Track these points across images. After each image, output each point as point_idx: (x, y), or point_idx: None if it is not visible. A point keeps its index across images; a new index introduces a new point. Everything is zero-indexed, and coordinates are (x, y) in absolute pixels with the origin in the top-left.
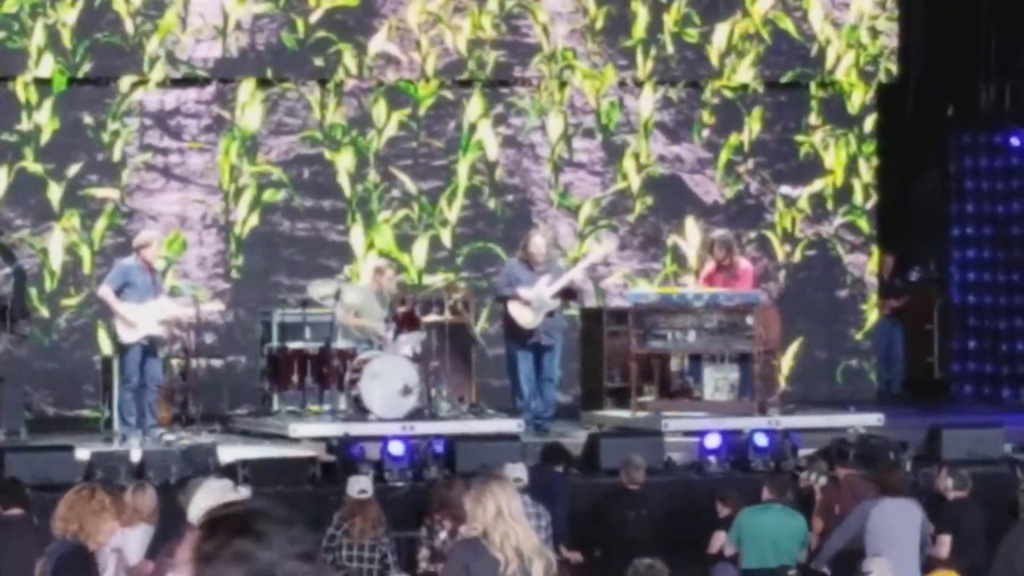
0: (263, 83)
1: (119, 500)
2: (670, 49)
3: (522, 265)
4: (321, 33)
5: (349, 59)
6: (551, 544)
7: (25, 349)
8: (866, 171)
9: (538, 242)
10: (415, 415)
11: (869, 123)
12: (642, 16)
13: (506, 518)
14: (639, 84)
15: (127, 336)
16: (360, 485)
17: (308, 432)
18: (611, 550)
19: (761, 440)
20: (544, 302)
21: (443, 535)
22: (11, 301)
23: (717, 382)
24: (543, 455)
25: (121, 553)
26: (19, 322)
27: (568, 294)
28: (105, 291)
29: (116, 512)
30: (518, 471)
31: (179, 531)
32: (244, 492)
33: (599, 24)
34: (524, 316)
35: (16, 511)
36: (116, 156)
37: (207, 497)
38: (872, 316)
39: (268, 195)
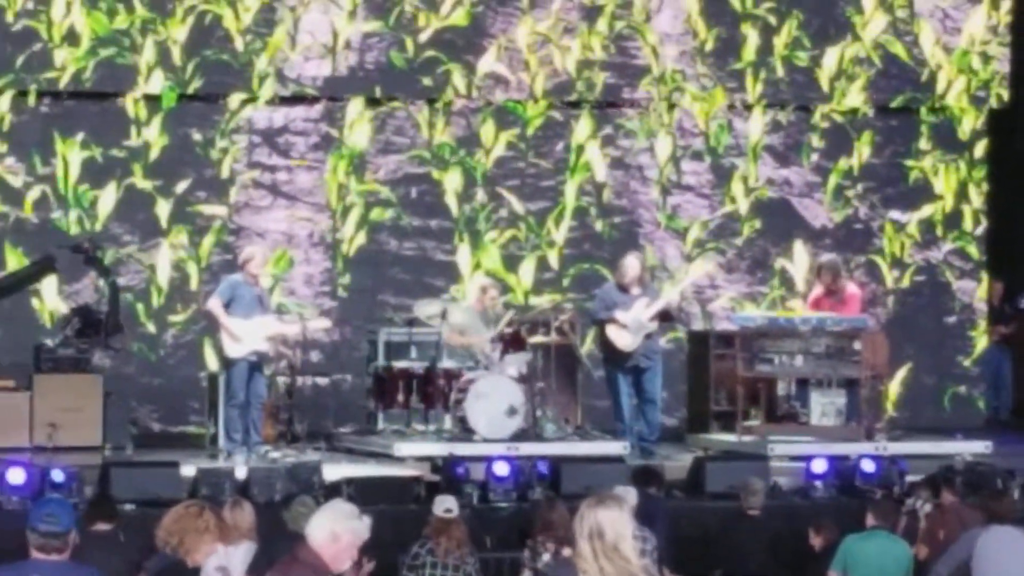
0: (372, 102)
1: (224, 523)
2: (780, 72)
3: (618, 288)
4: (430, 52)
5: (458, 79)
6: (656, 568)
7: (125, 362)
8: (976, 197)
9: (631, 264)
10: (520, 436)
11: (980, 148)
12: (752, 39)
13: (608, 541)
14: (748, 107)
15: (233, 351)
16: (446, 504)
17: (413, 451)
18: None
19: (868, 466)
20: (642, 324)
21: (546, 557)
22: (105, 315)
23: (824, 407)
24: (633, 478)
25: (226, 572)
26: (113, 336)
27: (665, 316)
28: (214, 303)
29: (219, 534)
30: (629, 493)
31: (288, 549)
32: (367, 520)
33: (709, 46)
34: (622, 339)
35: (103, 526)
36: (224, 173)
37: (331, 519)
38: (981, 343)
39: (375, 214)
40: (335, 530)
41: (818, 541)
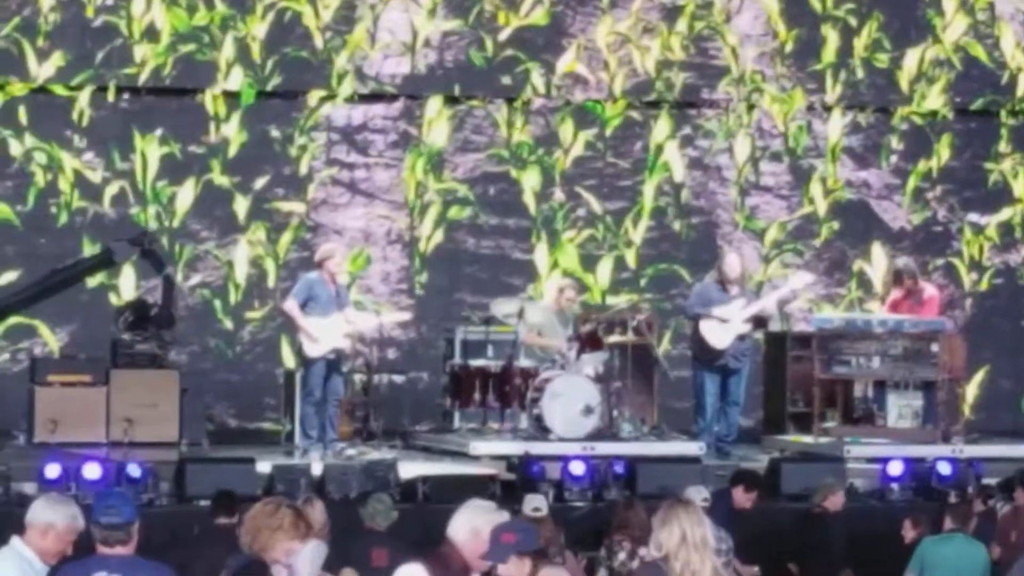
0: (450, 100)
1: (303, 520)
2: (860, 74)
3: (716, 286)
4: (509, 51)
5: (537, 78)
6: (731, 569)
7: (202, 359)
8: None
9: (733, 261)
10: (596, 435)
11: None
12: (832, 40)
13: (689, 545)
14: (828, 108)
15: (312, 350)
16: (535, 503)
17: (488, 450)
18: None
19: (944, 468)
20: (736, 325)
21: (622, 556)
22: (159, 308)
23: (901, 409)
24: (732, 480)
25: (292, 570)
26: (166, 329)
27: (759, 322)
28: (290, 305)
29: (296, 532)
30: (702, 492)
31: (364, 546)
32: (505, 515)
33: (788, 47)
34: (716, 336)
35: (225, 520)
36: (303, 170)
37: (471, 516)
38: None
39: (453, 212)
40: (476, 526)
41: (912, 535)
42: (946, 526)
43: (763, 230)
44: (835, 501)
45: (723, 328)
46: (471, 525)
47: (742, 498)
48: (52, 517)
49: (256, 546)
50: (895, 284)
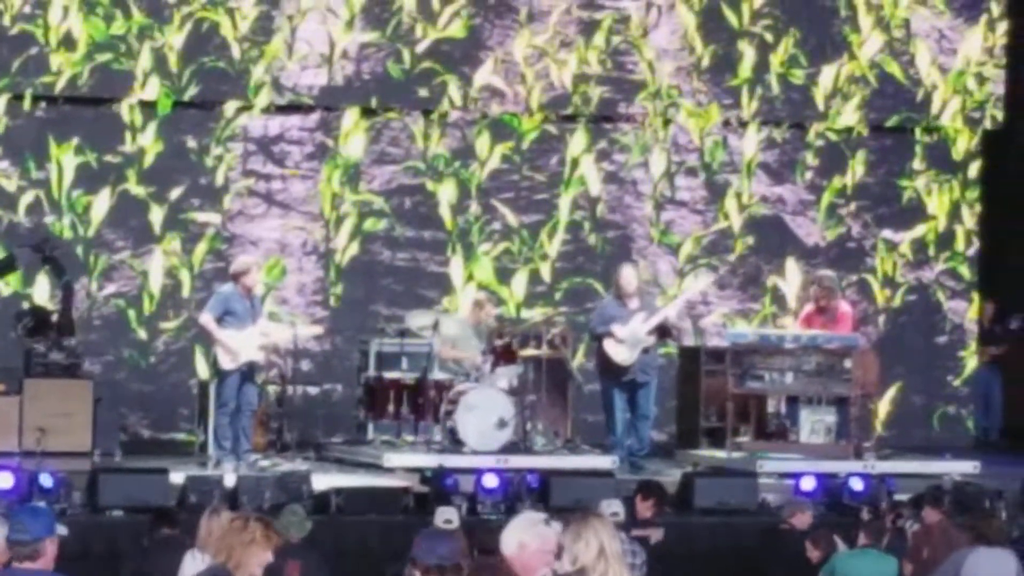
0: (367, 112)
1: (271, 530)
2: (776, 90)
3: (616, 302)
4: (427, 64)
5: (454, 90)
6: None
7: (116, 369)
8: (969, 217)
9: (627, 274)
10: (510, 448)
11: (973, 169)
12: (748, 56)
13: (608, 557)
14: (743, 124)
15: (227, 363)
16: (446, 515)
17: (402, 462)
18: None
19: (857, 484)
20: (639, 339)
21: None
22: (58, 315)
23: (814, 424)
24: (637, 490)
25: None
26: (65, 336)
27: (663, 332)
28: (206, 319)
29: (268, 543)
30: (614, 506)
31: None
32: (556, 526)
33: (705, 62)
34: (619, 353)
35: (168, 531)
36: (219, 180)
37: (517, 528)
38: (971, 363)
39: (369, 224)
40: (522, 539)
41: (816, 554)
42: (861, 542)
43: (678, 245)
44: (803, 519)
45: (625, 345)
46: (518, 539)
47: (641, 507)
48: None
49: (231, 563)
50: (810, 291)
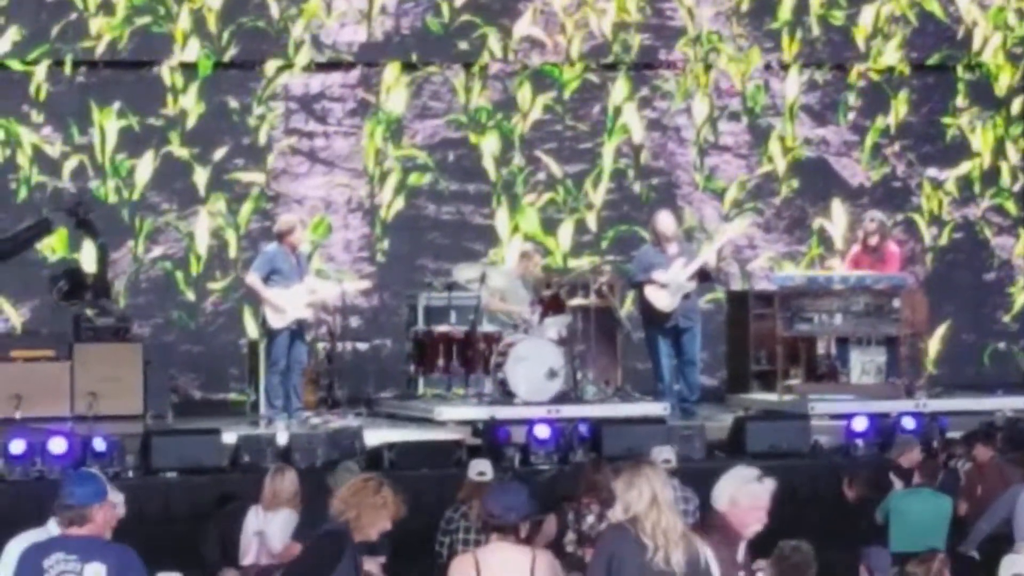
0: (408, 67)
1: (399, 499)
2: (816, 31)
3: (655, 249)
4: (466, 17)
5: (494, 42)
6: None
7: (165, 331)
8: (1013, 153)
9: (664, 219)
10: (561, 398)
11: (1016, 105)
12: None
13: (660, 505)
14: (784, 67)
15: (276, 322)
16: (479, 467)
17: (454, 415)
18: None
19: (909, 423)
20: (680, 285)
21: (591, 519)
22: (93, 278)
23: (864, 365)
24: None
25: (263, 536)
26: (102, 298)
27: (704, 276)
28: (252, 279)
29: (397, 511)
30: (666, 452)
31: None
32: (768, 483)
33: (744, 7)
34: (661, 299)
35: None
36: (262, 140)
37: (728, 485)
38: (1020, 299)
39: (413, 179)
40: (733, 495)
41: (851, 493)
42: (914, 480)
43: (723, 190)
44: (911, 457)
45: (667, 290)
46: (728, 494)
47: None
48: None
49: (356, 523)
50: (860, 230)
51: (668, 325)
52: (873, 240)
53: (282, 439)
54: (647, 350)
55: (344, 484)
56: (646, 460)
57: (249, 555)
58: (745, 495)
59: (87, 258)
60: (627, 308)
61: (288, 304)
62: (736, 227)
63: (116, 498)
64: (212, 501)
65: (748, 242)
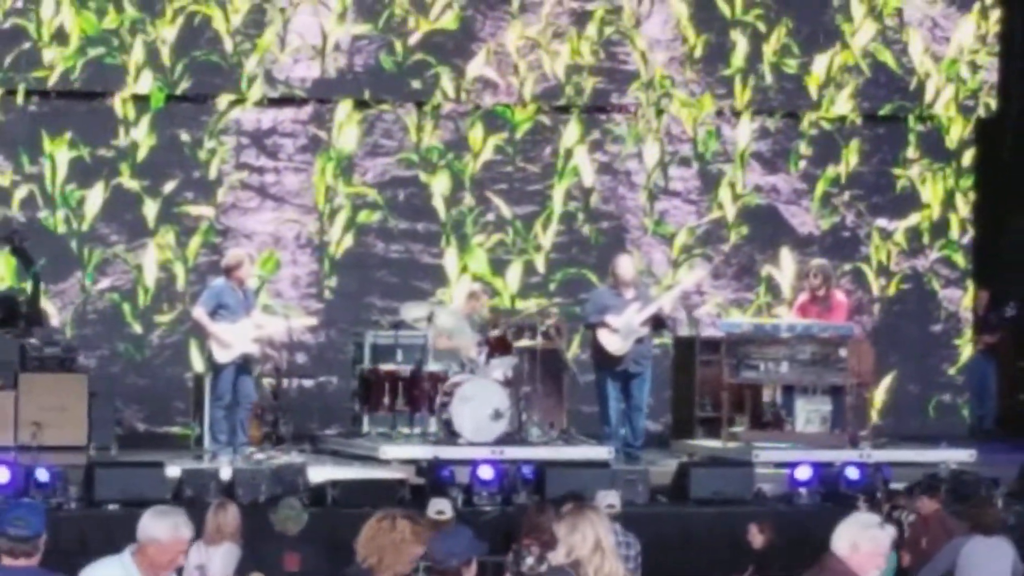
0: (360, 104)
1: (419, 525)
2: (768, 79)
3: (611, 292)
4: (419, 56)
5: (447, 82)
6: (638, 575)
7: (111, 362)
8: (963, 206)
9: (624, 263)
10: (505, 440)
11: (967, 157)
12: (741, 45)
13: (603, 550)
14: (736, 113)
15: (221, 356)
16: (438, 507)
17: (398, 454)
18: None
19: (852, 473)
20: (633, 329)
21: (530, 560)
22: (28, 305)
23: (809, 414)
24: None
25: (204, 571)
26: (35, 326)
27: (658, 322)
28: (199, 313)
29: (419, 539)
30: (611, 497)
31: (274, 550)
32: (890, 530)
33: (698, 52)
34: (613, 343)
35: None
36: (212, 174)
37: (850, 529)
38: (966, 351)
39: (363, 216)
40: (855, 540)
41: (759, 539)
42: None
43: (672, 235)
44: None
45: (619, 335)
46: (851, 540)
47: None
48: (153, 531)
49: (381, 566)
50: (805, 280)
51: (618, 369)
52: (820, 291)
53: (226, 474)
54: (596, 393)
55: (284, 520)
56: (589, 504)
57: None
58: (867, 540)
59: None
60: (574, 351)
61: (234, 339)
62: (696, 276)
63: (186, 532)
64: None
65: (696, 288)
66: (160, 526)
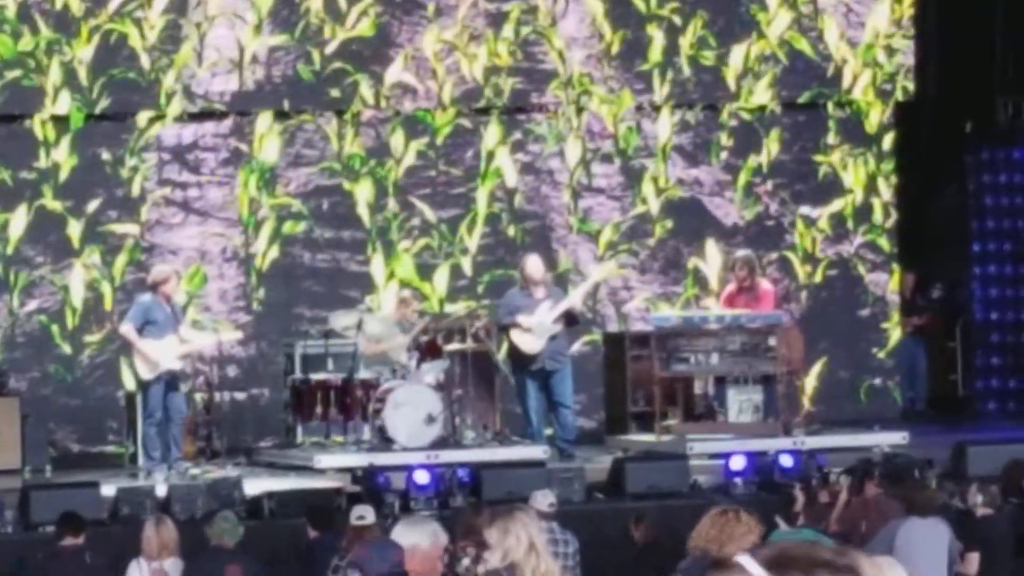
0: (280, 115)
1: (752, 518)
2: (686, 72)
3: (522, 292)
4: (337, 64)
5: (366, 89)
6: (576, 572)
7: (43, 384)
8: (885, 189)
9: (533, 262)
10: (440, 444)
11: (887, 141)
12: (658, 40)
13: (538, 550)
14: (656, 108)
15: (145, 373)
16: (359, 512)
17: (333, 463)
18: None
19: (787, 461)
20: (546, 327)
21: (466, 561)
22: None
23: (741, 404)
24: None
25: None
26: None
27: (570, 319)
28: (126, 329)
29: (758, 532)
30: (550, 497)
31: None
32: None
33: (615, 49)
34: (527, 342)
35: (72, 541)
36: (135, 191)
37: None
38: (895, 334)
39: (288, 227)
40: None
41: (638, 534)
42: (799, 522)
43: (598, 232)
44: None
45: (532, 334)
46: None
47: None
48: (414, 539)
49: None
50: (731, 273)
51: (535, 368)
52: (746, 281)
53: (161, 490)
54: (516, 393)
55: (220, 534)
56: (518, 506)
57: None
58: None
59: None
60: (504, 352)
61: (159, 355)
62: (603, 271)
63: (443, 539)
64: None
65: (623, 283)
66: (421, 534)
